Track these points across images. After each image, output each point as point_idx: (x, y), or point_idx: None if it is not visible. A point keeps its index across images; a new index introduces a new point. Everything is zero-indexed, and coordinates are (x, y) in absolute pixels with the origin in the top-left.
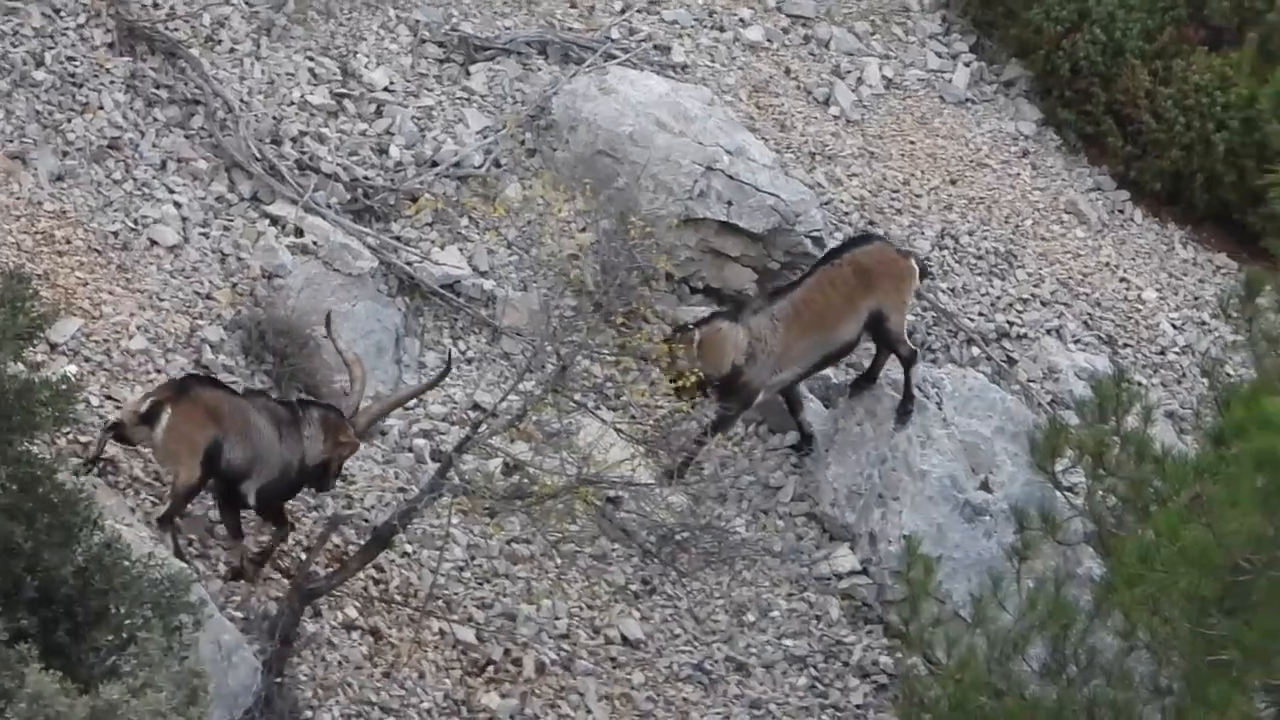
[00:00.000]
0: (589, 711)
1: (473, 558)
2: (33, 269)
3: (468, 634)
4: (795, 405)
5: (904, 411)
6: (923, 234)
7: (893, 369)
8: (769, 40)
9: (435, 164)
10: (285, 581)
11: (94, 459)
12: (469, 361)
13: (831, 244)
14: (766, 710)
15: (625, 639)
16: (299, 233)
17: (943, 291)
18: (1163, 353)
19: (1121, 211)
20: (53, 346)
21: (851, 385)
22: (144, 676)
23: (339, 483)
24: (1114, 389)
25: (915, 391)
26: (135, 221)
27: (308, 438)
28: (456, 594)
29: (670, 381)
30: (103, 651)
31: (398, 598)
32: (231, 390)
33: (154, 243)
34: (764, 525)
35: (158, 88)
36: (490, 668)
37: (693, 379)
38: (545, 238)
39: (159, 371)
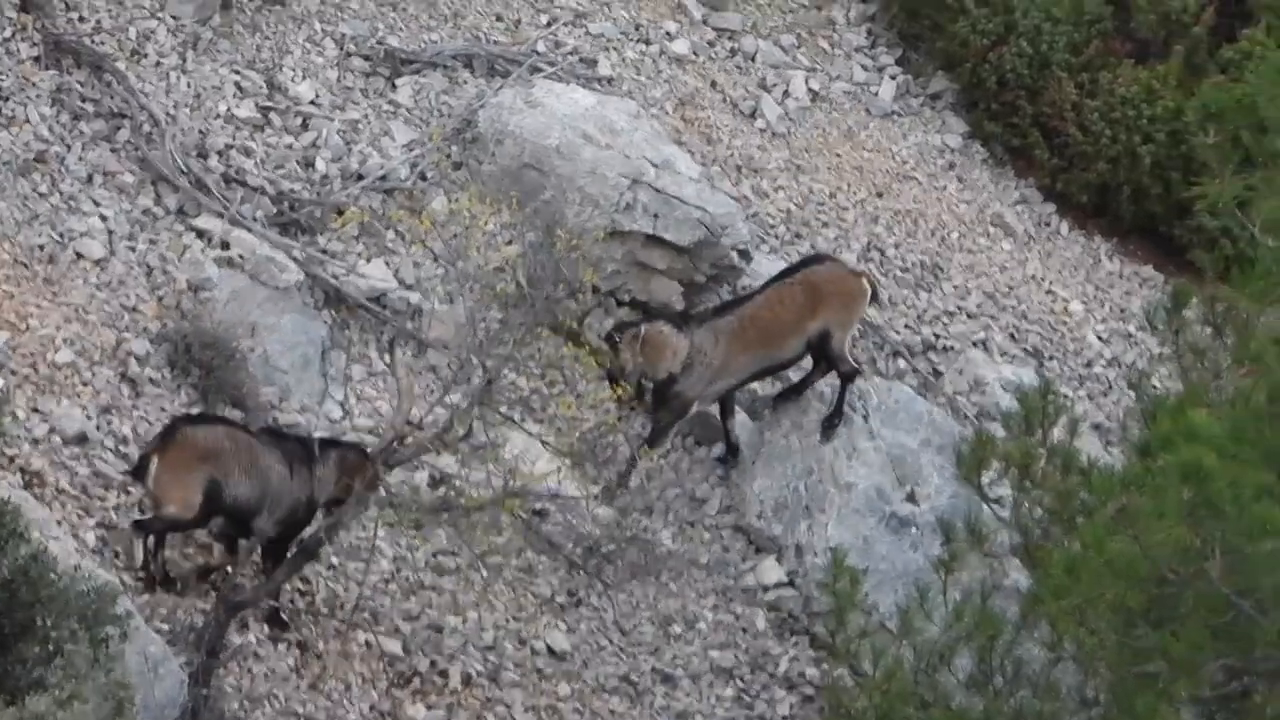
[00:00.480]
0: None
1: (399, 570)
2: None
3: (394, 645)
4: (727, 413)
5: (830, 425)
6: (849, 246)
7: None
8: (695, 54)
9: (361, 177)
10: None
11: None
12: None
13: (758, 256)
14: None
15: (551, 651)
16: (225, 246)
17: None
18: (1089, 365)
19: (1048, 224)
20: None
21: (776, 398)
22: (70, 688)
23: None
24: (1040, 401)
25: (835, 402)
26: (61, 235)
27: (319, 477)
28: (383, 606)
29: (610, 382)
30: (29, 663)
31: (324, 610)
32: (237, 426)
33: (80, 256)
34: (690, 537)
35: (84, 101)
36: (416, 679)
37: (633, 381)
38: (471, 251)
39: (85, 384)
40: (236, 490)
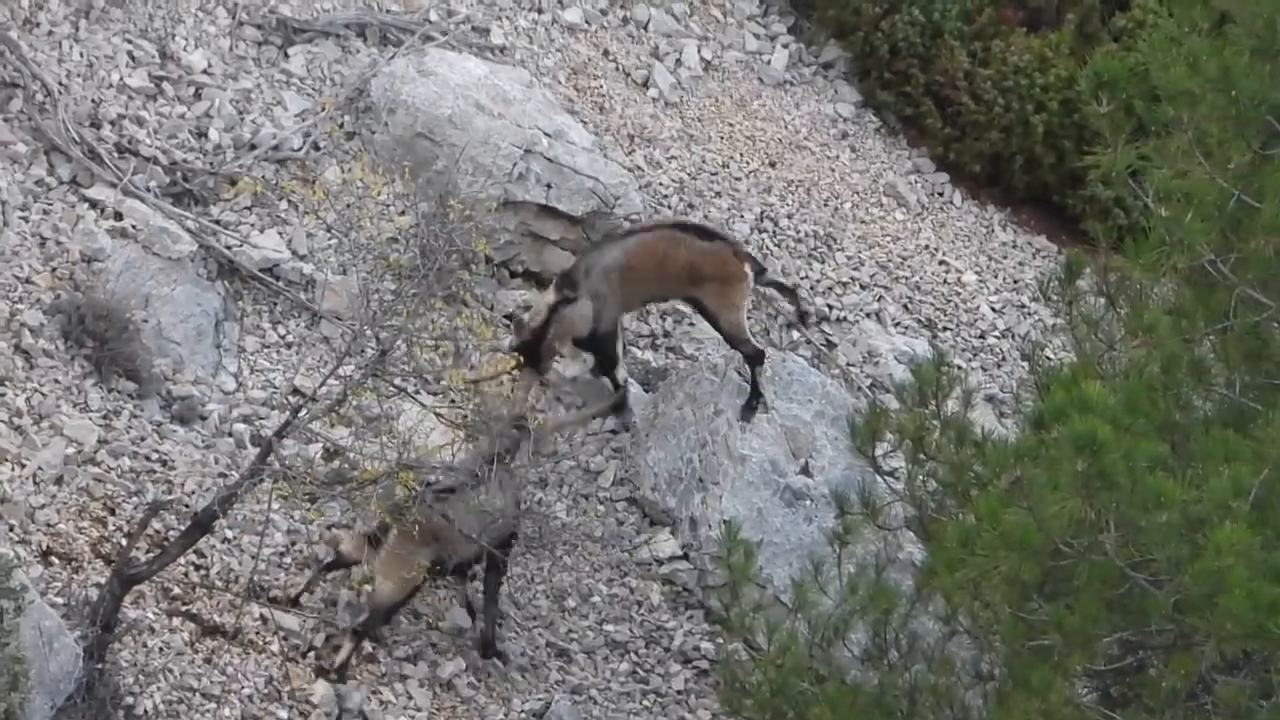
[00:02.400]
0: (411, 697)
1: (293, 543)
2: None
3: (289, 620)
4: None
5: (749, 408)
6: (742, 217)
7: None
8: (587, 22)
9: (254, 147)
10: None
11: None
12: (288, 346)
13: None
14: (588, 696)
15: (445, 625)
16: (118, 216)
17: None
18: (983, 336)
19: (941, 194)
20: None
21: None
22: None
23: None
24: (934, 373)
25: (747, 384)
26: None
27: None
28: (277, 580)
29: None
30: None
31: (219, 583)
32: (467, 478)
33: None
34: (585, 510)
35: None
36: (311, 653)
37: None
38: (364, 221)
39: None
40: (466, 554)
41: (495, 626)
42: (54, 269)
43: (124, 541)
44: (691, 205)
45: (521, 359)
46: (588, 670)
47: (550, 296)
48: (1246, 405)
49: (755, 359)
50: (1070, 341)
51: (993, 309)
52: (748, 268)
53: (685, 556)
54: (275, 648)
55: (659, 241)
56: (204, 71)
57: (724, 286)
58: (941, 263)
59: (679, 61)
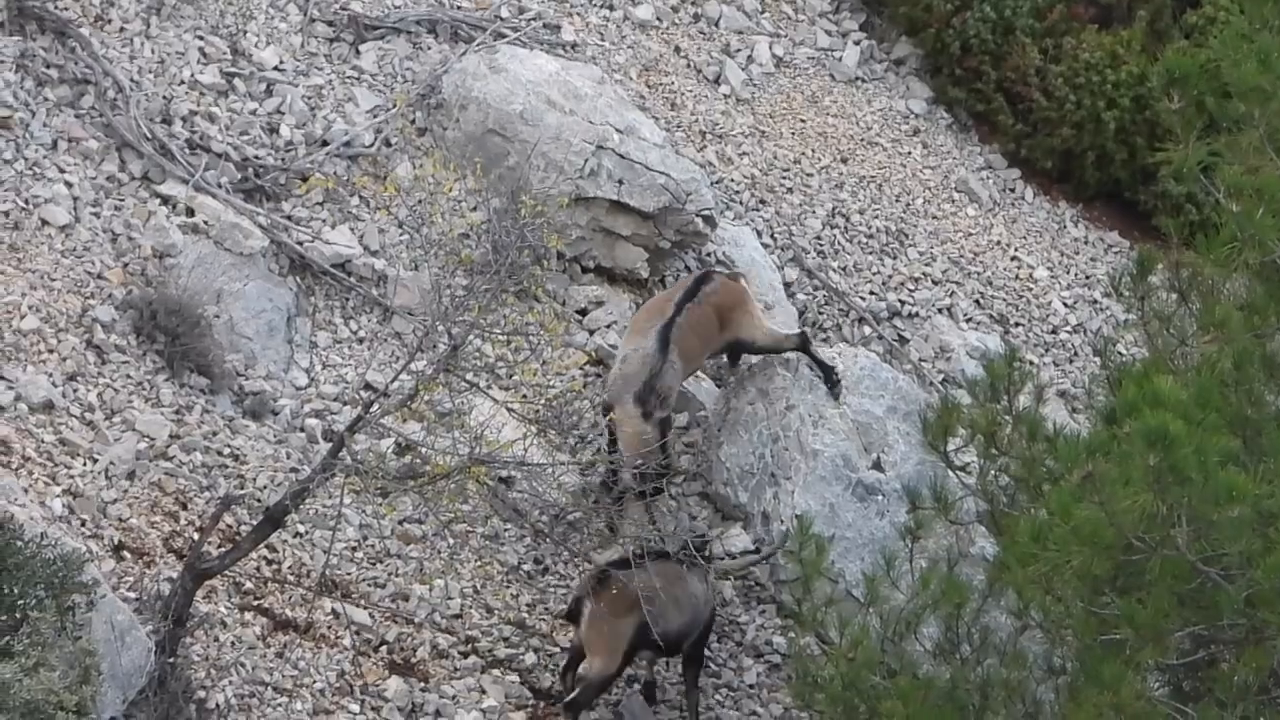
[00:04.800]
0: (483, 691)
1: (365, 538)
2: None
3: (361, 614)
4: None
5: (832, 386)
6: (814, 213)
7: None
8: (659, 19)
9: (326, 143)
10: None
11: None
12: (360, 341)
13: (723, 222)
14: (661, 689)
15: (517, 621)
16: (190, 212)
17: (834, 271)
18: (1054, 331)
19: (1012, 190)
20: None
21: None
22: (37, 656)
23: (234, 463)
24: (1006, 368)
25: (814, 368)
26: (26, 201)
27: (714, 576)
28: (349, 574)
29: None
30: None
31: (290, 578)
32: (666, 556)
33: (45, 222)
34: (657, 505)
35: (48, 67)
36: (383, 648)
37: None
38: (436, 217)
39: (51, 351)
40: (668, 626)
41: (697, 711)
42: (126, 264)
43: (196, 536)
44: (763, 201)
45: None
46: (660, 665)
47: (651, 429)
48: None
49: (804, 344)
50: (1142, 337)
51: (1064, 304)
52: (742, 281)
53: (757, 551)
54: (347, 642)
55: (692, 319)
56: (275, 68)
57: (742, 310)
58: (1013, 258)
59: (750, 58)
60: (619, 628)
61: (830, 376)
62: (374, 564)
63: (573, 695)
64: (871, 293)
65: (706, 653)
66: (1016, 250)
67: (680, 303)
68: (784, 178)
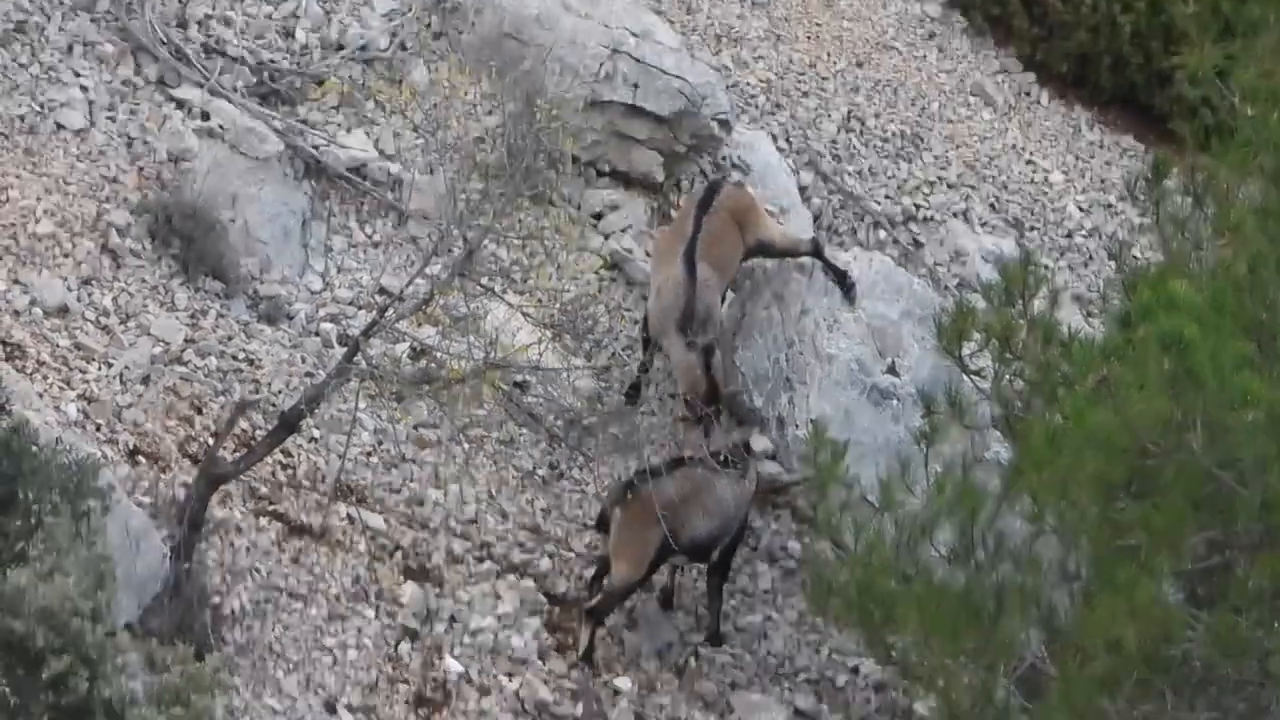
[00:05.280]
0: (499, 597)
1: (380, 443)
2: None
3: (376, 519)
4: None
5: (846, 288)
6: (829, 116)
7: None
8: None
9: (341, 47)
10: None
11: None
12: (375, 245)
13: (739, 126)
14: (677, 596)
15: (532, 526)
16: (205, 116)
17: (849, 175)
18: (1069, 235)
19: (1028, 94)
20: None
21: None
22: (51, 562)
23: (249, 367)
24: (1021, 272)
25: (828, 273)
26: (42, 106)
27: (748, 482)
28: (364, 479)
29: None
30: (10, 537)
31: (305, 483)
32: (700, 463)
33: (61, 127)
34: (671, 410)
35: None
36: (398, 553)
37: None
38: (451, 121)
39: (66, 256)
40: (695, 533)
41: (719, 619)
42: (141, 169)
43: (211, 441)
44: (779, 105)
45: (712, 414)
46: (668, 574)
47: (695, 357)
48: None
49: (818, 249)
50: (1157, 240)
51: (1079, 208)
52: (747, 187)
53: (773, 456)
54: (362, 547)
55: (712, 230)
56: None
57: (755, 213)
58: (1028, 162)
59: None
60: (645, 537)
61: (844, 281)
62: (389, 469)
63: (594, 602)
64: (887, 197)
65: None
66: (1031, 154)
67: (697, 218)
68: (799, 81)
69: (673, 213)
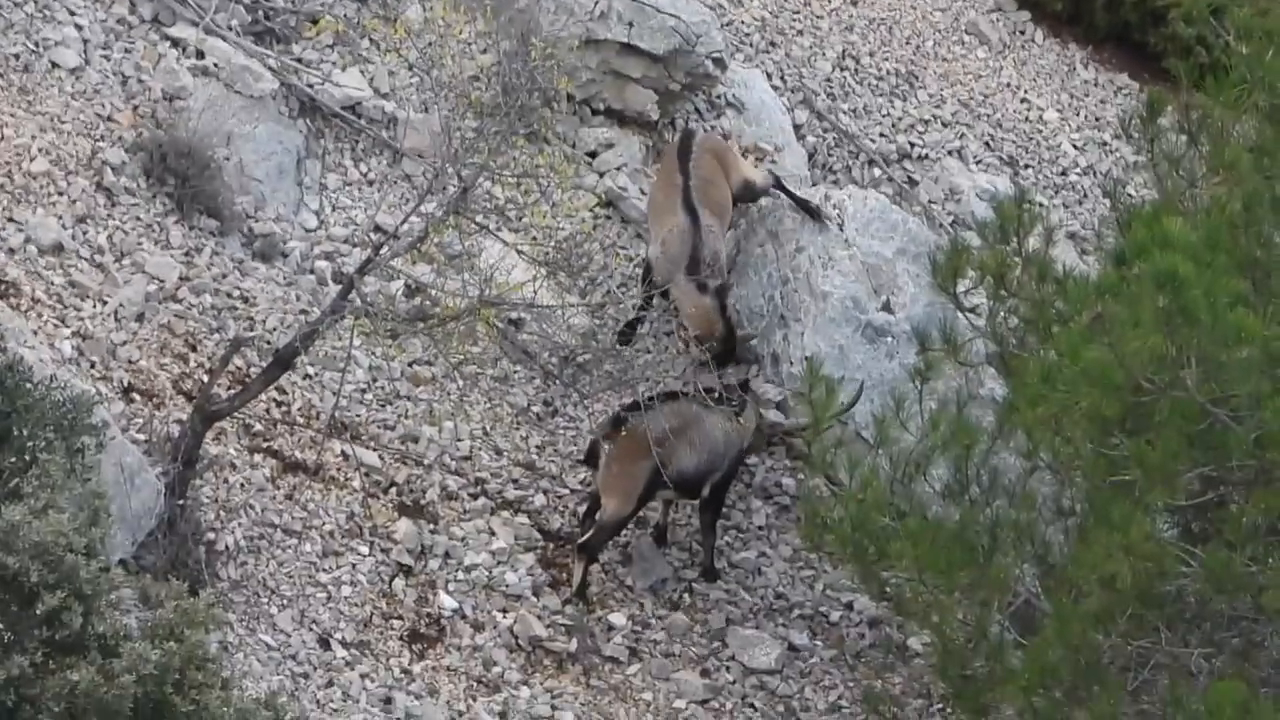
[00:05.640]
0: (493, 533)
1: (374, 380)
2: None
3: (370, 456)
4: None
5: (812, 212)
6: (824, 55)
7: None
8: None
9: None
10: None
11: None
12: (370, 184)
13: (734, 65)
14: (671, 532)
15: (526, 463)
16: (200, 55)
17: (844, 113)
18: (1064, 173)
19: (1023, 32)
20: None
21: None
22: (46, 498)
23: (244, 304)
24: (1015, 210)
25: (795, 206)
26: (36, 44)
27: (743, 422)
28: (358, 416)
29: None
30: (4, 473)
31: (300, 420)
32: (687, 397)
33: (55, 65)
34: (666, 347)
35: None
36: (393, 490)
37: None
38: (446, 59)
39: (60, 194)
40: (684, 466)
41: (713, 555)
42: (136, 107)
43: (205, 378)
44: (773, 43)
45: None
46: (662, 510)
47: (710, 300)
48: None
49: (779, 182)
50: (1152, 179)
51: (1074, 146)
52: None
53: (779, 405)
54: (357, 484)
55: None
56: None
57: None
58: (1023, 100)
59: None
60: (633, 470)
61: (809, 207)
62: (383, 406)
63: (586, 537)
64: (881, 135)
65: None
66: (1026, 92)
67: (683, 167)
68: (794, 20)
69: (653, 168)
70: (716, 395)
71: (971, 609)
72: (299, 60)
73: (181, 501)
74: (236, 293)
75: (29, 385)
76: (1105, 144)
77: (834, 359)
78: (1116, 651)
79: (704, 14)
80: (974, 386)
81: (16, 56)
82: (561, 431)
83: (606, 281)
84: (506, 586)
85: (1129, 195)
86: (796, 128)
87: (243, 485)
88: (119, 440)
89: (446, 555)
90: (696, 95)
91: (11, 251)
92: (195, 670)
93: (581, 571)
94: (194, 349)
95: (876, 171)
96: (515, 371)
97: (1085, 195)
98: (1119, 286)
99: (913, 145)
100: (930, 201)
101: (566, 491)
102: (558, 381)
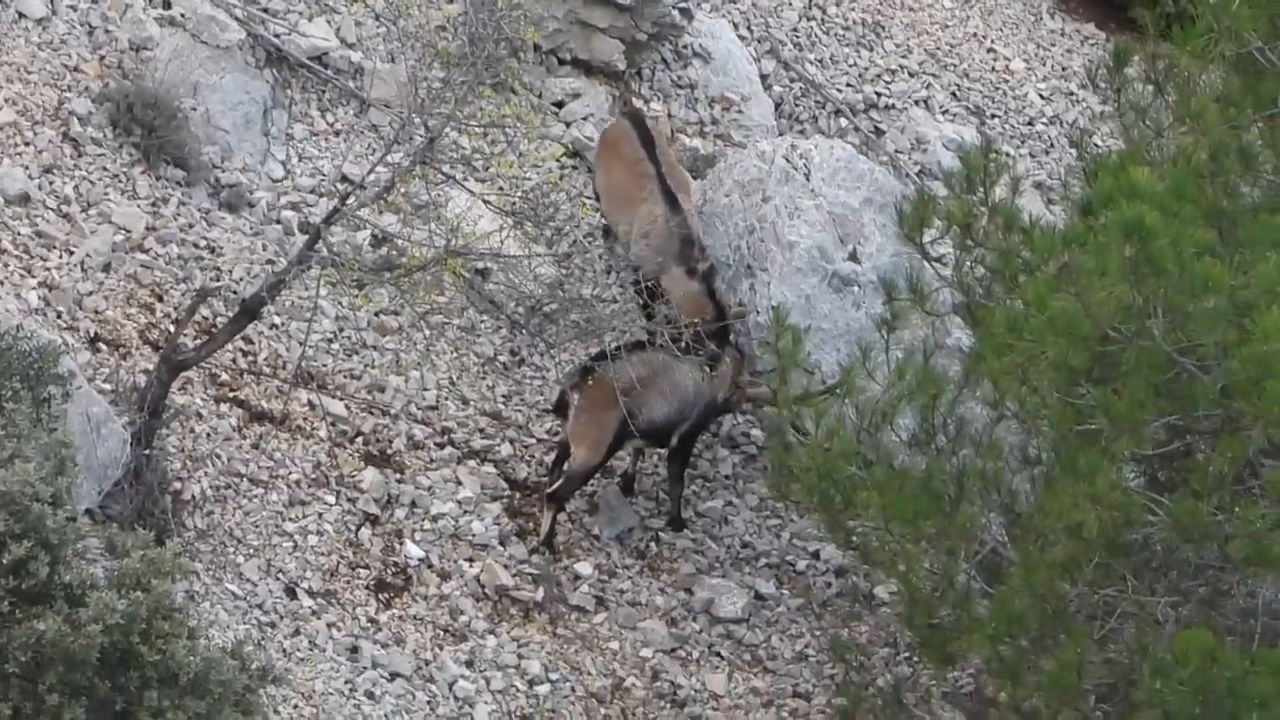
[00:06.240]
0: (459, 483)
1: (341, 330)
2: None
3: (336, 406)
4: None
5: None
6: (790, 5)
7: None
8: None
9: None
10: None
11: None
12: (336, 134)
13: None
14: (639, 482)
15: (492, 412)
16: (166, 4)
17: (810, 63)
18: (1030, 123)
19: None
20: None
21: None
22: (12, 448)
23: (210, 255)
24: (982, 159)
25: None
26: None
27: (718, 376)
28: (325, 366)
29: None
30: None
31: (266, 370)
32: (655, 346)
33: (22, 15)
34: (631, 297)
35: None
36: (359, 439)
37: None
38: (413, 9)
39: (27, 144)
40: (653, 415)
41: (680, 504)
42: (102, 57)
43: (172, 328)
44: None
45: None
46: (630, 460)
47: (698, 285)
48: None
49: None
50: (1118, 128)
51: (1041, 96)
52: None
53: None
54: (323, 433)
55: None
56: None
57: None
58: (990, 50)
59: None
60: (603, 419)
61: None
62: (350, 356)
63: (555, 485)
64: (848, 84)
65: None
66: (993, 42)
67: (649, 153)
68: None
69: (633, 84)
70: (687, 347)
71: (938, 558)
72: (265, 10)
73: (148, 451)
74: (203, 243)
75: None
76: (1072, 94)
77: (800, 309)
78: (1083, 600)
79: None
80: (940, 336)
81: None
82: (528, 381)
83: (573, 231)
84: (473, 536)
85: (1095, 145)
86: (763, 78)
87: (209, 435)
88: (85, 390)
89: (413, 505)
90: (663, 45)
91: None
92: (162, 620)
93: (550, 520)
94: (160, 299)
95: (843, 121)
96: (482, 321)
97: (1052, 145)
98: (1085, 236)
99: (879, 95)
100: (897, 151)
101: (533, 441)
102: (524, 331)
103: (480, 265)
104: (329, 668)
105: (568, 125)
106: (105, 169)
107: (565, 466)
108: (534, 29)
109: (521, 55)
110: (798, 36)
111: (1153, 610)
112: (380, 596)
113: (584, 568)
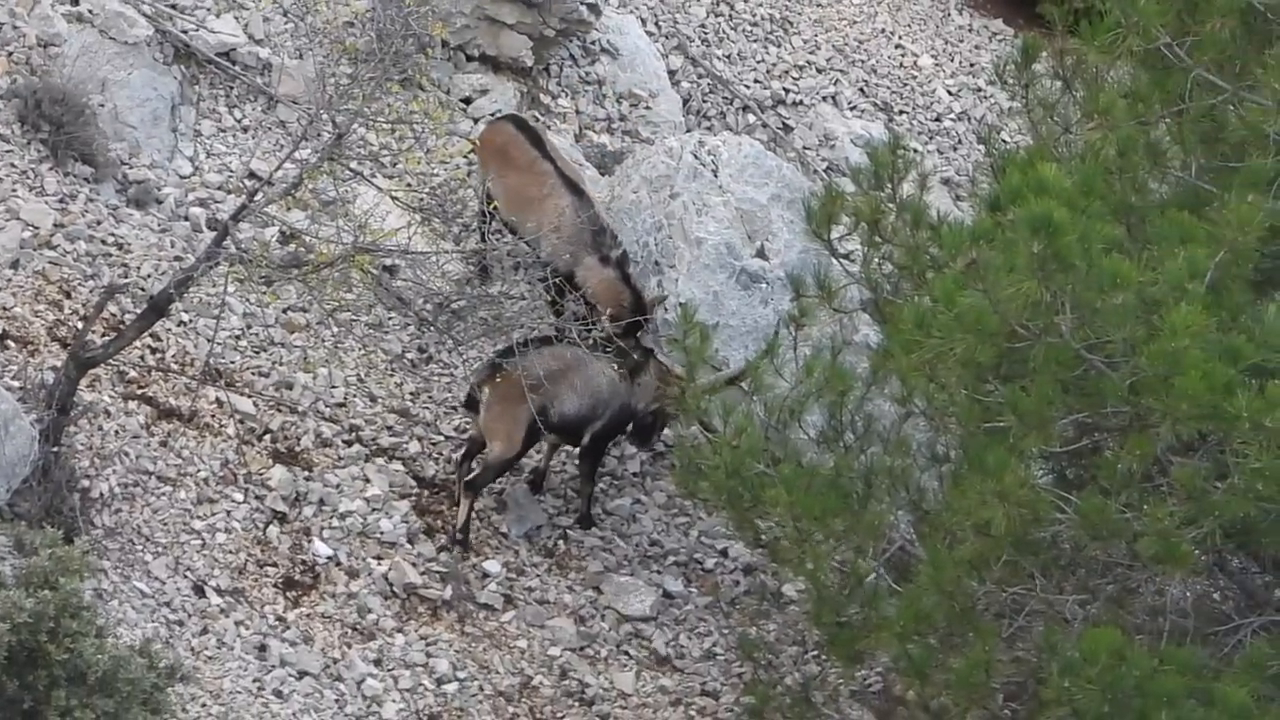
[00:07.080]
0: (367, 480)
1: (249, 327)
2: None
3: (245, 403)
4: None
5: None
6: (698, 1)
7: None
8: None
9: None
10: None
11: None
12: (244, 130)
13: (608, 11)
14: (548, 480)
15: (400, 410)
16: (74, 1)
17: (718, 59)
18: (939, 119)
19: None
20: None
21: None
22: None
23: (118, 251)
24: (890, 156)
25: None
26: None
27: (640, 384)
28: (233, 363)
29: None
30: None
31: (174, 367)
32: (567, 340)
33: None
34: (539, 294)
35: None
36: (267, 437)
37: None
38: (320, 5)
39: None
40: (565, 408)
41: (590, 502)
42: (10, 54)
43: (80, 325)
44: None
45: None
46: (544, 454)
47: (613, 271)
48: (1202, 188)
49: None
50: (1026, 124)
51: (949, 92)
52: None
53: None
54: (231, 431)
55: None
56: None
57: None
58: (898, 46)
59: None
60: (515, 412)
61: None
62: (258, 353)
63: (474, 475)
64: (756, 81)
65: None
66: (901, 38)
67: (543, 151)
68: None
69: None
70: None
71: (846, 555)
72: (173, 6)
73: (56, 449)
74: (111, 239)
75: None
76: (980, 90)
77: (708, 305)
78: (991, 598)
79: None
80: (848, 333)
81: None
82: (436, 378)
83: (481, 227)
84: (381, 533)
85: (1003, 141)
86: (671, 74)
87: (117, 432)
88: None
89: (321, 502)
90: (571, 41)
91: None
92: (70, 618)
93: (466, 509)
94: (68, 296)
95: (751, 118)
96: (390, 318)
97: (960, 141)
98: (993, 232)
99: (787, 91)
100: (805, 148)
101: (441, 438)
102: (432, 328)
103: (388, 262)
104: (237, 666)
105: (475, 122)
106: (13, 165)
107: (482, 458)
108: (442, 25)
109: (429, 51)
110: (705, 32)
111: (1061, 608)
112: (288, 595)
113: (492, 565)
